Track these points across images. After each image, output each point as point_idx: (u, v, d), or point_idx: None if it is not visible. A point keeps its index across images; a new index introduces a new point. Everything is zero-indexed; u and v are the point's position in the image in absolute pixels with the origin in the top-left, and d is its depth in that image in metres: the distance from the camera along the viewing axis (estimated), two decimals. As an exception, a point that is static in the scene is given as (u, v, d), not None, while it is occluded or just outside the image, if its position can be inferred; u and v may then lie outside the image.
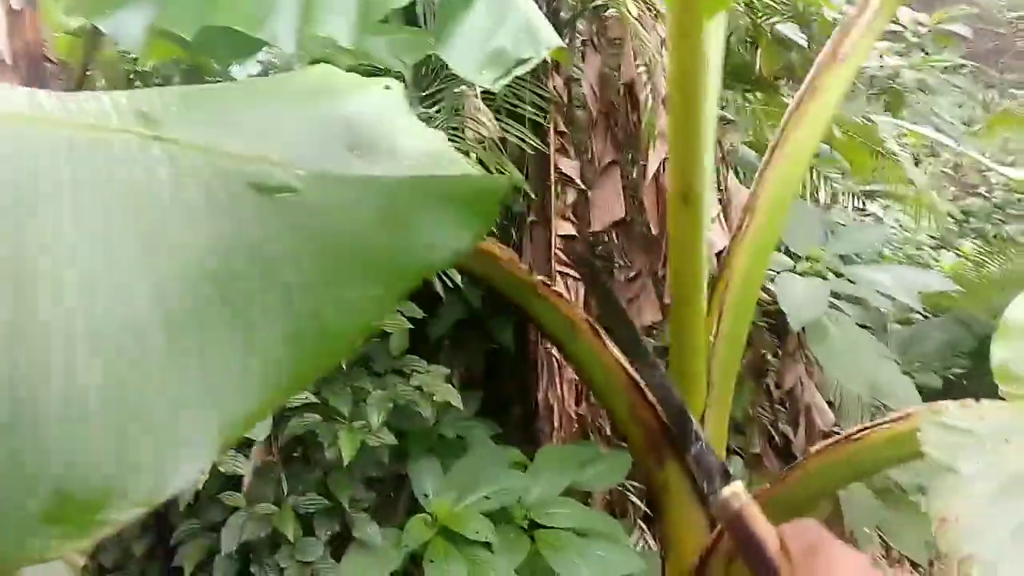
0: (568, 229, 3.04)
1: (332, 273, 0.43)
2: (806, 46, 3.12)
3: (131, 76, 2.40)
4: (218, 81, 2.59)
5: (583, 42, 3.01)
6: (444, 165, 0.53)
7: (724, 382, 1.08)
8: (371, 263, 0.44)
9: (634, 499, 2.87)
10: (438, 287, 2.55)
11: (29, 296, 0.37)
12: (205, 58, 2.07)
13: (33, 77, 1.77)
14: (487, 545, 2.27)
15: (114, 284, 0.39)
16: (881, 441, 0.82)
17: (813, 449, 0.94)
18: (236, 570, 2.08)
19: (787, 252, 2.79)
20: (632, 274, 3.04)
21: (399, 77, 2.70)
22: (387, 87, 0.63)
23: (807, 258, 2.68)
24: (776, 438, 2.90)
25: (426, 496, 2.38)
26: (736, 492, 0.64)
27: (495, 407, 3.02)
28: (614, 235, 3.10)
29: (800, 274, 2.63)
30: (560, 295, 1.08)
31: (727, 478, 0.68)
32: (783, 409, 2.89)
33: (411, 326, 2.39)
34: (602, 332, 1.11)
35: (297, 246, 0.44)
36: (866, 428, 0.83)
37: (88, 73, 2.08)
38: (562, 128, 3.07)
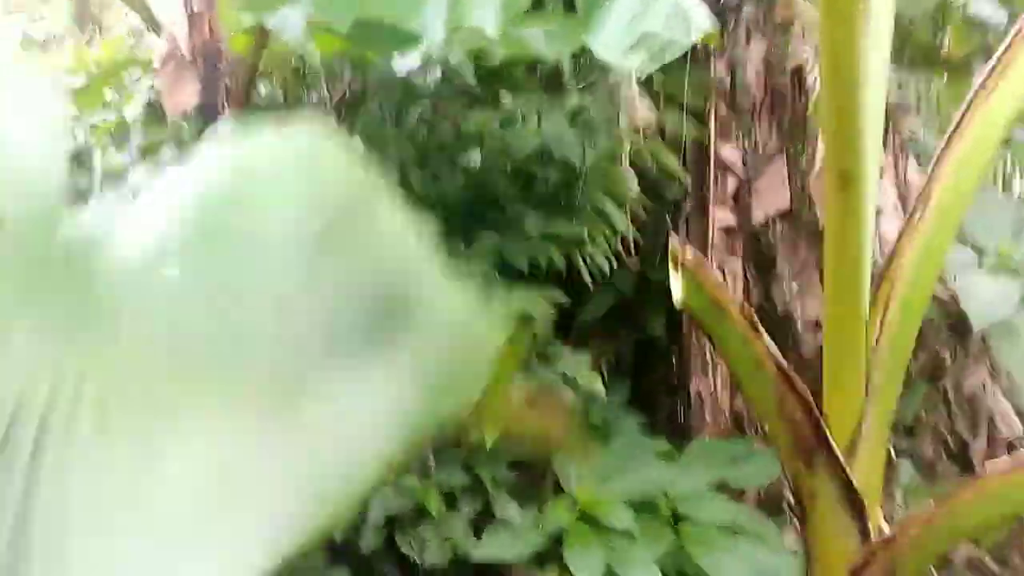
0: (728, 219, 2.95)
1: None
2: (1005, 24, 2.82)
3: (300, 70, 2.58)
4: (383, 75, 2.71)
5: (748, 26, 2.90)
6: (473, 332, 0.48)
7: (887, 388, 1.01)
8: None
9: (791, 497, 2.75)
10: (585, 275, 2.56)
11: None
12: (369, 52, 2.21)
13: (209, 72, 1.96)
14: (629, 534, 2.25)
15: None
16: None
17: (992, 467, 0.86)
18: (383, 539, 2.20)
19: (974, 247, 2.55)
20: (797, 268, 2.90)
21: (556, 66, 2.73)
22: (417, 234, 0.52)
23: (996, 253, 2.43)
24: (952, 444, 2.66)
25: (569, 481, 2.40)
26: None
27: (644, 398, 2.98)
28: (778, 227, 2.96)
29: (986, 270, 2.40)
30: (709, 274, 1.05)
31: None
32: (960, 414, 2.65)
33: (555, 313, 2.42)
34: (755, 319, 1.07)
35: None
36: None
37: (260, 70, 2.26)
38: (724, 115, 2.97)
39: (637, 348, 3.06)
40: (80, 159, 2.29)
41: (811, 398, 1.11)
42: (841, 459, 1.11)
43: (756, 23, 2.92)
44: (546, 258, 2.48)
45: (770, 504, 2.86)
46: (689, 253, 1.24)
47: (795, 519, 2.74)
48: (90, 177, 2.21)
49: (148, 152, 2.21)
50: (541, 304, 2.38)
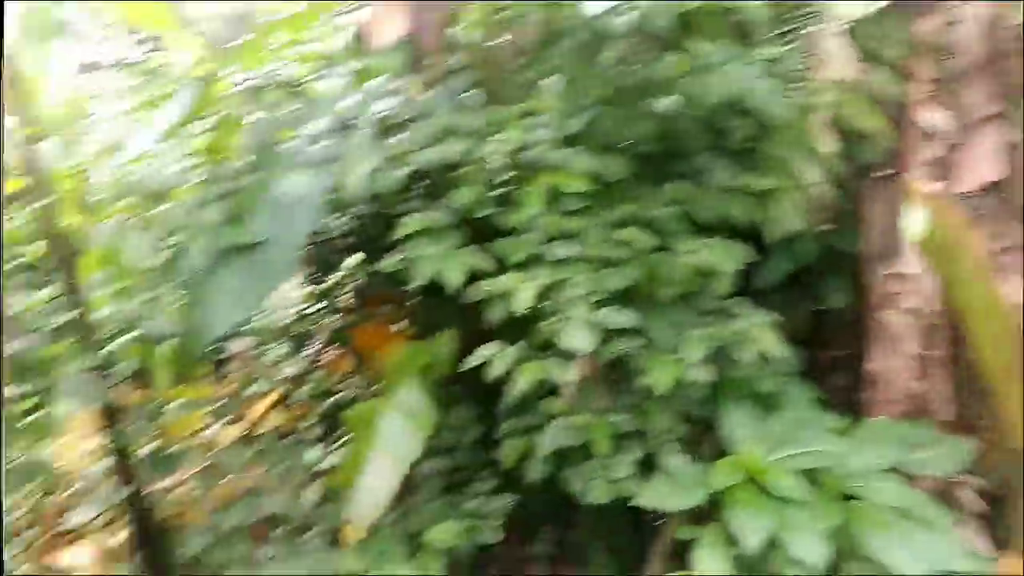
0: (926, 187, 2.74)
1: None
2: None
3: (495, 13, 2.58)
4: (576, 17, 2.68)
5: (969, -23, 2.65)
6: None
7: None
8: None
9: (966, 492, 2.55)
10: (770, 234, 2.46)
11: None
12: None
13: (416, 7, 1.97)
14: (797, 504, 2.17)
15: None
16: None
17: None
18: (549, 472, 2.23)
19: None
20: (1004, 245, 2.65)
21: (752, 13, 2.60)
22: None
23: None
24: None
25: (736, 442, 2.34)
26: None
27: (816, 371, 2.85)
28: (984, 199, 2.72)
29: None
30: (956, 212, 0.97)
31: None
32: None
33: (738, 269, 2.34)
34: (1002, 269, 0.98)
35: None
36: None
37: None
38: (932, 74, 2.75)
39: (814, 319, 2.91)
40: (291, 86, 2.43)
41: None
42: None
43: (980, -26, 2.67)
44: (733, 212, 2.40)
45: (946, 496, 2.67)
46: (937, 186, 1.13)
47: (973, 515, 2.54)
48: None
49: (358, 79, 2.30)
50: (726, 258, 2.30)
